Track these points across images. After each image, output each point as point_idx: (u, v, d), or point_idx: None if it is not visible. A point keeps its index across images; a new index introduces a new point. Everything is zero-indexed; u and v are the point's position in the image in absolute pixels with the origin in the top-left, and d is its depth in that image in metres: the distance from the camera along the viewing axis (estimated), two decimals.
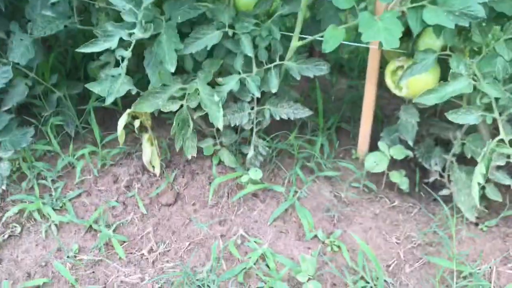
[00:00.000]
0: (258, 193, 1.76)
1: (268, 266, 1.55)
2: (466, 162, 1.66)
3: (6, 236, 1.66)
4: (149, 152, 1.74)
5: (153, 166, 1.79)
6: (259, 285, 1.50)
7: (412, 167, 1.86)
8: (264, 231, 1.66)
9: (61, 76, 2.17)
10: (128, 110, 1.64)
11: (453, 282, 1.46)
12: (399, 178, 1.74)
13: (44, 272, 1.55)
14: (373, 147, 1.84)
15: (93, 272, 1.55)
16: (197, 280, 1.50)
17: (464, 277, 1.47)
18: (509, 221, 1.64)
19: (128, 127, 1.73)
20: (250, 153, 1.76)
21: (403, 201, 1.75)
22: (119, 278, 1.53)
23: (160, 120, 2.04)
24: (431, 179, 1.75)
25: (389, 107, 2.20)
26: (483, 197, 1.57)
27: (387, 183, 1.80)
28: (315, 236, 1.63)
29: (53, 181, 1.83)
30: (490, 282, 1.45)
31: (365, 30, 1.30)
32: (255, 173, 1.71)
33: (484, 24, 1.40)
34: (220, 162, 1.84)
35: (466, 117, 1.42)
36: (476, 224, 1.62)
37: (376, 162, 1.71)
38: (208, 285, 1.48)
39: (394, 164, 1.78)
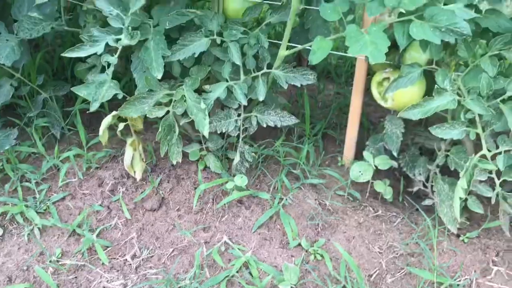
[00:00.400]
0: (243, 199, 1.76)
1: (251, 274, 1.55)
2: (450, 173, 1.68)
3: None
4: (129, 156, 1.73)
5: (134, 171, 1.78)
6: None
7: (397, 175, 1.88)
8: (248, 238, 1.67)
9: (48, 76, 2.15)
10: (114, 112, 1.64)
11: None
12: (383, 188, 1.75)
13: (25, 276, 1.54)
14: (358, 154, 1.86)
15: (76, 277, 1.54)
16: (180, 287, 1.50)
17: None
18: (490, 232, 1.66)
19: (115, 129, 1.72)
20: (236, 159, 1.76)
21: (386, 210, 1.76)
22: (101, 283, 1.52)
23: (147, 123, 2.04)
24: (415, 189, 1.77)
25: (375, 114, 2.22)
26: (464, 209, 1.59)
27: (372, 191, 1.82)
28: (299, 244, 1.64)
29: (37, 184, 1.82)
30: None
31: (352, 44, 1.31)
32: (241, 180, 1.72)
33: (470, 39, 1.41)
34: (205, 167, 1.84)
35: (450, 132, 1.43)
36: (458, 236, 1.64)
37: (361, 172, 1.72)
38: None
39: (378, 172, 1.79)
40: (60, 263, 1.58)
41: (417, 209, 1.75)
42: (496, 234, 1.65)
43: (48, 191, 1.80)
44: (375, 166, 1.73)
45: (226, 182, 1.74)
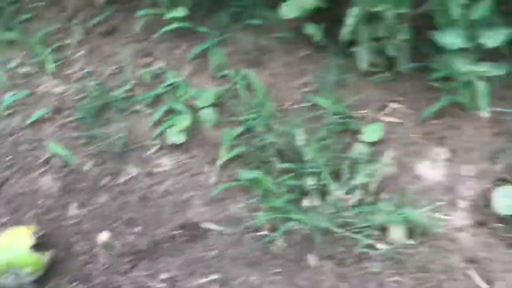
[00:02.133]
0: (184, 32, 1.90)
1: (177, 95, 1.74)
2: None
3: None
4: None
5: None
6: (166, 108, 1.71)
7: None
8: (183, 67, 1.84)
9: None
10: None
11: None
12: (315, 30, 1.81)
13: None
14: None
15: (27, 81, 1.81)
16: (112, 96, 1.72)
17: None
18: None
19: None
20: None
21: (317, 52, 1.83)
22: (47, 88, 1.78)
23: None
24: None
25: None
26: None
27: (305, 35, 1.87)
28: (227, 75, 1.79)
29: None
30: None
31: None
32: (181, 11, 1.84)
33: None
34: None
35: None
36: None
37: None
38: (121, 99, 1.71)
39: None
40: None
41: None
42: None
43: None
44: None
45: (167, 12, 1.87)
